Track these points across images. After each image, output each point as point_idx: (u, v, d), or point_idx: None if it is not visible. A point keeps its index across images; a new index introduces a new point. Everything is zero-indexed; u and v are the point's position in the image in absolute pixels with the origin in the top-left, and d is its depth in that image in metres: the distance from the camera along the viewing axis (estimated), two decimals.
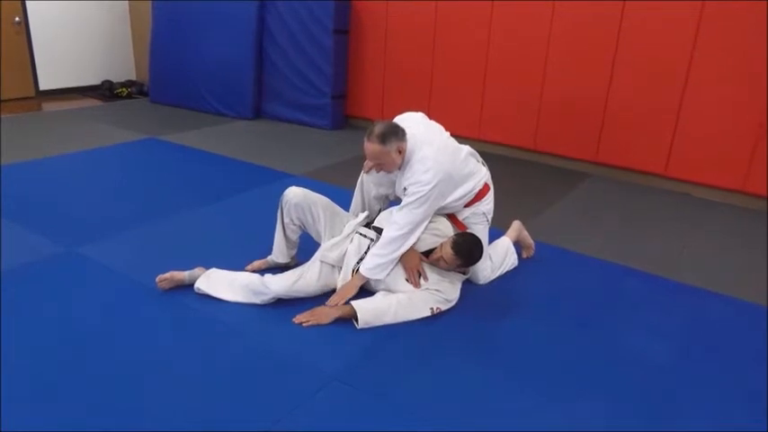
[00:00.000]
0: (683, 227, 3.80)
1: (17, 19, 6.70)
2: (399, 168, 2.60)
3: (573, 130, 4.81)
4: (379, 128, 2.48)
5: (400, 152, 2.52)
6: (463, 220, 2.79)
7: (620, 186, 4.57)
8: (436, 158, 2.51)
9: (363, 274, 2.55)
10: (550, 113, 4.88)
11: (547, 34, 4.71)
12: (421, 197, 2.48)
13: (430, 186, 2.47)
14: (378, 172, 2.64)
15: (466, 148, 2.74)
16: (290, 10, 5.81)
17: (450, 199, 2.65)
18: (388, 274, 2.58)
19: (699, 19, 4.08)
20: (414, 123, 2.62)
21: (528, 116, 4.99)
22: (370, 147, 2.49)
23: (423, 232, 2.66)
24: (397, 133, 2.49)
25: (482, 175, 2.77)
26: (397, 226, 2.53)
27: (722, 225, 3.88)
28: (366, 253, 2.61)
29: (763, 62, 3.93)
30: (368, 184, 2.95)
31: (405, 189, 2.55)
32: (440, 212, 2.73)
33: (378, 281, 2.60)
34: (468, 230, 2.74)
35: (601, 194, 4.38)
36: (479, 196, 2.76)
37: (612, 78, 4.51)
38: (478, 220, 2.80)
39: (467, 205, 2.76)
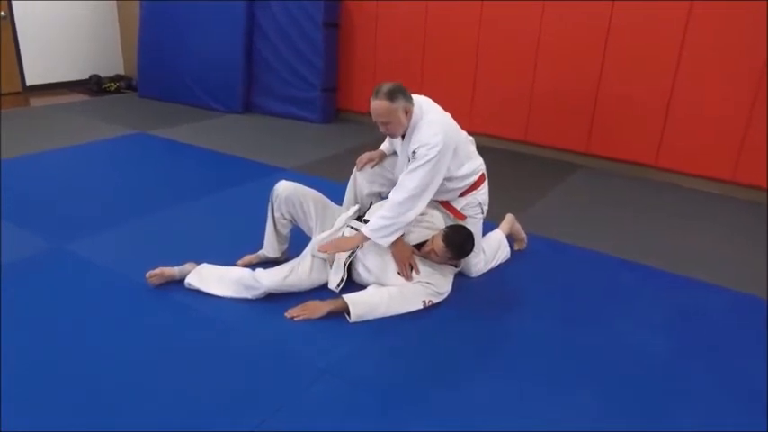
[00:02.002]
0: (675, 217, 3.82)
1: (2, 13, 6.61)
2: (404, 136, 2.58)
3: (564, 122, 4.81)
4: (386, 86, 2.46)
5: (407, 113, 2.50)
6: (461, 209, 2.78)
7: (611, 177, 4.58)
8: (443, 124, 2.52)
9: (366, 233, 2.49)
10: (542, 105, 4.87)
11: (538, 27, 4.70)
12: (430, 159, 2.44)
13: (438, 148, 2.44)
14: (384, 132, 2.58)
15: (464, 133, 2.74)
16: (279, 3, 5.77)
17: (457, 173, 2.63)
18: (391, 247, 2.52)
19: (689, 11, 4.09)
20: (416, 96, 2.61)
21: (519, 108, 4.99)
22: (378, 104, 2.45)
23: (415, 225, 2.66)
24: (405, 93, 2.48)
25: (480, 161, 2.78)
26: (405, 189, 2.47)
27: (713, 215, 3.90)
28: (357, 247, 2.60)
29: (752, 54, 3.94)
30: (361, 181, 2.93)
31: (413, 153, 2.49)
32: (440, 197, 2.71)
33: (369, 274, 2.59)
34: (462, 223, 2.74)
35: (592, 186, 4.39)
36: (476, 185, 2.76)
37: (603, 70, 4.51)
38: (474, 213, 2.79)
39: (464, 194, 2.76)
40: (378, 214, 2.52)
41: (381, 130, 2.56)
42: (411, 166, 2.49)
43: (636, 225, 3.66)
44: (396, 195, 2.49)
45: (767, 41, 3.87)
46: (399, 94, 2.45)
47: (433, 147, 2.44)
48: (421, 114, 2.53)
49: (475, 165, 2.73)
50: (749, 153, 4.10)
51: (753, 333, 2.52)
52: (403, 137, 2.60)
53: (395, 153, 2.88)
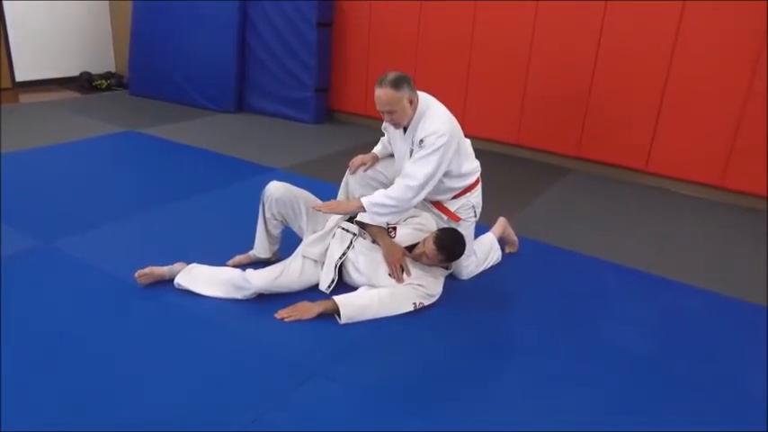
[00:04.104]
0: (664, 222, 3.84)
1: None
2: (407, 128, 2.58)
3: (556, 126, 4.83)
4: (391, 75, 2.46)
5: (411, 103, 2.51)
6: (455, 211, 2.78)
7: (601, 181, 4.61)
8: (448, 116, 2.55)
9: (363, 203, 2.48)
10: (534, 108, 4.89)
11: (530, 30, 4.72)
12: (439, 147, 2.45)
13: (447, 137, 2.46)
14: (388, 121, 2.58)
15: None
16: (273, 2, 5.75)
17: (459, 170, 2.64)
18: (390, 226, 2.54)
19: (680, 16, 4.12)
20: (419, 91, 2.62)
21: (511, 111, 5.00)
22: (383, 92, 2.45)
23: (406, 227, 2.66)
24: (409, 82, 2.49)
25: (478, 164, 2.80)
26: (415, 176, 2.46)
27: (701, 220, 3.93)
28: (349, 248, 2.60)
29: (741, 60, 3.97)
30: (353, 185, 2.92)
31: (421, 141, 2.49)
32: (435, 196, 2.71)
33: (360, 275, 2.59)
34: (456, 225, 2.74)
35: (583, 189, 4.41)
36: (471, 187, 2.77)
37: (595, 74, 4.53)
38: (468, 216, 2.79)
39: (457, 196, 2.76)
40: (382, 192, 2.50)
41: (386, 119, 2.56)
42: (419, 154, 2.49)
43: (626, 229, 3.67)
44: (406, 180, 2.48)
45: (760, 47, 3.90)
46: (404, 82, 2.47)
47: (442, 135, 2.46)
48: (427, 105, 2.56)
49: (474, 165, 2.75)
50: (738, 159, 4.13)
51: (744, 336, 2.55)
52: (405, 129, 2.60)
53: (388, 156, 2.88)
